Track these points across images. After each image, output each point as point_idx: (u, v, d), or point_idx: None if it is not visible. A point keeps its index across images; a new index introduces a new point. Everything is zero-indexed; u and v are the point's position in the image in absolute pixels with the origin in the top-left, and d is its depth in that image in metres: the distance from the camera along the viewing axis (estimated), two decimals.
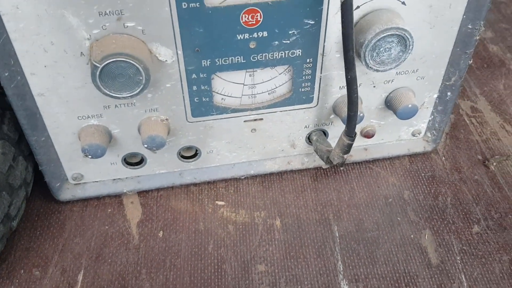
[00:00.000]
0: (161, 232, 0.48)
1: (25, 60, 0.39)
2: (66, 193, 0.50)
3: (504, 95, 0.63)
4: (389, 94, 0.48)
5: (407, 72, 0.47)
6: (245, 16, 0.39)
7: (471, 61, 0.46)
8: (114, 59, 0.37)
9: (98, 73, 0.38)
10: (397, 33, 0.39)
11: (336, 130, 0.51)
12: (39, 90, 0.41)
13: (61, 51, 0.39)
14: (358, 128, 0.47)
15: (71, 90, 0.42)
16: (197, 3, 0.38)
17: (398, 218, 0.49)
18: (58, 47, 0.39)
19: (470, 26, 0.43)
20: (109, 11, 0.37)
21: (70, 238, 0.48)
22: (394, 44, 0.40)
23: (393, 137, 0.54)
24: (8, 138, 0.44)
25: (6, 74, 0.39)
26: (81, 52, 0.39)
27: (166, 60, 0.41)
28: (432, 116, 0.52)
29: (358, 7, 0.41)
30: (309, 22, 0.41)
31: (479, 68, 0.67)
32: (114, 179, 0.51)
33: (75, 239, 0.48)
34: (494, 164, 0.54)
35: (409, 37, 0.40)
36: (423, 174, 0.53)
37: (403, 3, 0.41)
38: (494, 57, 0.69)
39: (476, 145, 0.56)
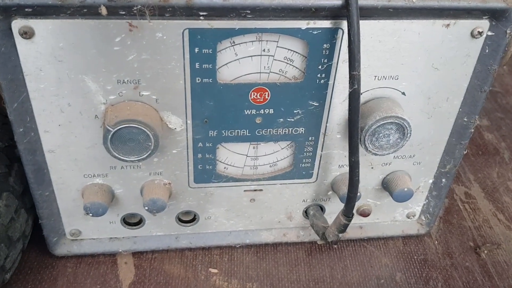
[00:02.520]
0: None
1: (41, 118, 0.41)
2: (62, 248, 0.50)
3: (497, 183, 0.64)
4: (386, 176, 0.50)
5: (404, 156, 0.48)
6: (254, 94, 0.42)
7: (466, 151, 0.48)
8: (127, 125, 0.39)
9: (110, 136, 0.39)
10: (396, 121, 0.42)
11: (333, 206, 0.52)
12: (50, 147, 0.43)
13: (76, 112, 0.41)
14: (354, 207, 0.48)
15: (81, 149, 0.43)
16: (210, 79, 0.40)
17: None
18: (74, 108, 0.41)
19: (465, 119, 0.46)
20: (127, 80, 0.39)
21: None
22: (393, 131, 0.42)
23: (388, 218, 0.55)
24: (13, 190, 0.45)
25: (21, 130, 0.41)
26: (96, 115, 0.41)
27: (175, 128, 0.43)
28: (427, 200, 0.53)
29: (361, 93, 0.43)
30: (313, 103, 0.43)
31: (474, 154, 0.69)
32: (111, 238, 0.51)
33: None
34: (485, 252, 0.55)
35: (407, 125, 0.42)
36: (415, 257, 0.54)
37: (403, 93, 0.43)
38: (489, 145, 0.72)
39: (469, 231, 0.57)
